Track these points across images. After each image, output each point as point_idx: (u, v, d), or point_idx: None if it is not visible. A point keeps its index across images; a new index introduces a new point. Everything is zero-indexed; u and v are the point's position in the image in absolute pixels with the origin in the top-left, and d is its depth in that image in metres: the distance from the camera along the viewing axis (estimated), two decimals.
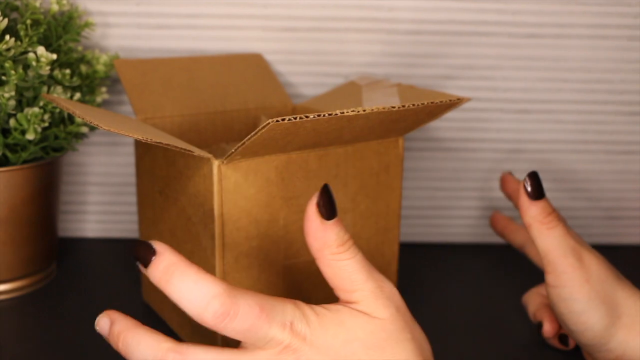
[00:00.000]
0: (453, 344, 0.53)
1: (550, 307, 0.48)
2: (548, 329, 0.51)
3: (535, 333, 0.54)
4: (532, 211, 0.45)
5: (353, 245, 0.37)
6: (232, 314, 0.33)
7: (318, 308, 0.35)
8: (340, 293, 0.37)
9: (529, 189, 0.46)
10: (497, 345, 0.53)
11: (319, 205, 0.36)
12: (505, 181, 0.59)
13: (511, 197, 0.58)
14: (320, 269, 0.37)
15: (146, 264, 0.34)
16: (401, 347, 0.35)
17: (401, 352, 0.35)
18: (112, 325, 0.35)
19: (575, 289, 0.44)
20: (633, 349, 0.44)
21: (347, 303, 0.36)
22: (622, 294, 0.45)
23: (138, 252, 0.34)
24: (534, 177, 0.46)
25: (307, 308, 0.35)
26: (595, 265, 0.45)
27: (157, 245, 0.34)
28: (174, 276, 0.33)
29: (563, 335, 0.51)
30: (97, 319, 0.36)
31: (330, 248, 0.36)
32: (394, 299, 0.37)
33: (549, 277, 0.46)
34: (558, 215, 0.46)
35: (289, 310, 0.34)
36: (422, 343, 0.37)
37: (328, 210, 0.36)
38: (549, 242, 0.45)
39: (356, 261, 0.37)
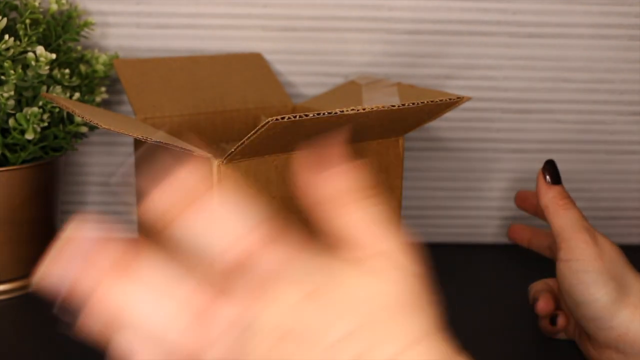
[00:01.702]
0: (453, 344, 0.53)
1: (558, 283, 0.49)
2: (542, 305, 0.52)
3: (537, 330, 0.54)
4: (550, 194, 0.50)
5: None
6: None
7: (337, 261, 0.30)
8: (355, 249, 0.30)
9: (547, 175, 0.50)
10: (498, 345, 0.53)
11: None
12: (520, 195, 0.59)
13: (528, 209, 0.58)
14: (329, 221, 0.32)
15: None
16: (424, 311, 0.31)
17: (424, 316, 0.30)
18: None
19: (588, 262, 0.47)
20: (637, 328, 0.45)
21: (363, 260, 0.30)
22: (632, 277, 0.47)
23: None
24: (552, 164, 0.51)
25: (329, 260, 0.30)
26: (609, 246, 0.48)
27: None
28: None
29: (553, 316, 0.52)
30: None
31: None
32: (415, 258, 0.32)
33: (562, 252, 0.48)
34: (573, 201, 0.50)
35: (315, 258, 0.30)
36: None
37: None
38: (564, 221, 0.49)
39: (372, 214, 0.31)
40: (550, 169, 0.51)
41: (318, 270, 0.29)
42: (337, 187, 0.31)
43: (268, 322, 0.27)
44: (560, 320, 0.52)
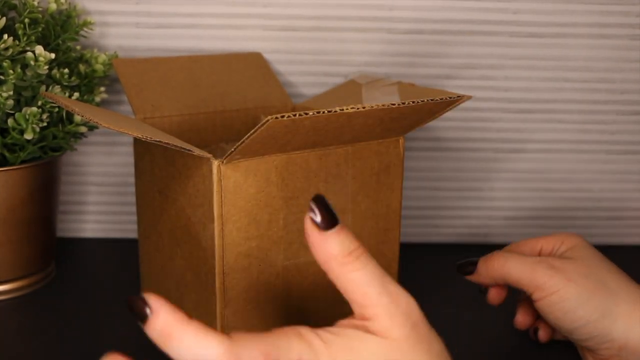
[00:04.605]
0: (453, 344, 0.53)
1: (545, 319, 0.48)
2: (520, 319, 0.52)
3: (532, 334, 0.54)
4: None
5: (363, 254, 0.34)
6: None
7: (325, 334, 0.33)
8: (354, 306, 0.34)
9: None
10: (498, 344, 0.53)
11: (312, 218, 0.34)
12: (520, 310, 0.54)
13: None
14: (333, 282, 0.34)
15: (143, 320, 0.32)
16: None
17: None
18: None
19: (562, 291, 0.46)
20: (636, 337, 0.44)
21: (361, 319, 0.34)
22: (614, 282, 0.46)
23: (133, 307, 0.32)
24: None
25: (313, 337, 0.32)
26: (571, 265, 0.47)
27: (153, 302, 0.31)
28: (172, 338, 0.31)
29: (535, 329, 0.52)
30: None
31: (336, 259, 0.33)
32: (411, 314, 0.34)
33: (534, 295, 0.47)
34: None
35: (295, 346, 0.32)
36: (440, 356, 0.35)
37: (325, 220, 0.34)
38: (519, 269, 0.47)
39: (366, 272, 0.33)
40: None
41: (309, 348, 0.32)
42: (329, 252, 0.33)
43: None
44: (542, 334, 0.51)
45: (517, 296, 0.60)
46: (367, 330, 0.33)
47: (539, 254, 0.51)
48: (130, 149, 0.69)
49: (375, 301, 0.33)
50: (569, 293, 0.45)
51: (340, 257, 0.33)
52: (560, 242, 0.50)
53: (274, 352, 0.31)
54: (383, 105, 0.42)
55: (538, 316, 0.52)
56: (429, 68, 0.67)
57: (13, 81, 0.53)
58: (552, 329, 0.51)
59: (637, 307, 0.45)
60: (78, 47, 0.63)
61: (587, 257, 0.48)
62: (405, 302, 0.34)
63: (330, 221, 0.34)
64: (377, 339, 0.33)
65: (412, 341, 0.33)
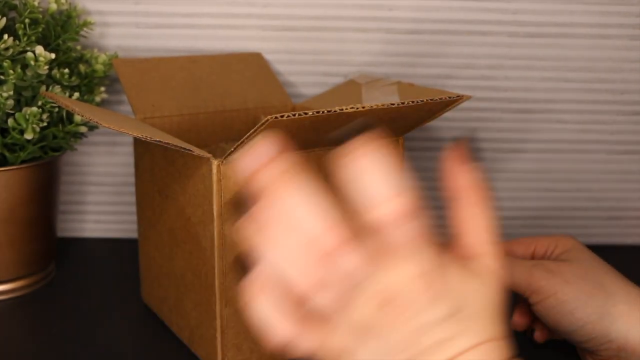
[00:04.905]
0: None
1: (544, 322, 0.48)
2: (517, 320, 0.51)
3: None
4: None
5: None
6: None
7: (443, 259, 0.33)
8: (468, 241, 0.35)
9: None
10: None
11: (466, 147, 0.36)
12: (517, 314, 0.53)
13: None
14: (457, 211, 0.36)
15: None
16: (499, 317, 0.33)
17: (498, 321, 0.33)
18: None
19: (559, 294, 0.46)
20: (634, 337, 0.44)
21: (470, 255, 0.34)
22: (611, 282, 0.46)
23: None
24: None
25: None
26: (568, 267, 0.47)
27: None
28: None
29: (531, 330, 0.52)
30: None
31: (476, 189, 0.35)
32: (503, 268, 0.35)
33: (531, 298, 0.47)
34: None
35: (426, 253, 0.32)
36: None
37: (473, 156, 0.36)
38: (516, 273, 0.47)
39: (492, 214, 0.36)
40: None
41: (435, 255, 0.32)
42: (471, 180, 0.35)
43: (378, 286, 0.30)
44: (538, 335, 0.51)
45: (518, 295, 0.60)
46: (477, 264, 0.34)
47: (532, 255, 0.51)
48: (130, 149, 0.69)
49: (492, 242, 0.35)
50: (567, 295, 0.45)
51: (479, 189, 0.35)
52: (555, 244, 0.50)
53: (430, 234, 0.33)
54: (383, 105, 0.42)
55: (534, 317, 0.52)
56: (429, 68, 0.67)
57: (13, 81, 0.53)
58: (549, 329, 0.51)
59: (634, 307, 0.45)
60: (78, 47, 0.63)
61: (583, 259, 0.48)
62: (502, 257, 0.35)
63: (474, 156, 0.36)
64: (482, 275, 0.34)
65: (499, 289, 0.34)
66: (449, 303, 0.31)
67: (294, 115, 0.39)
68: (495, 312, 0.33)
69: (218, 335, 0.46)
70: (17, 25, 0.54)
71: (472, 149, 0.36)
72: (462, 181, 0.36)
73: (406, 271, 0.31)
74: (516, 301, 0.52)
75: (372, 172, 0.32)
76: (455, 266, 0.33)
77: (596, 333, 0.45)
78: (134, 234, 0.70)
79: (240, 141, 0.41)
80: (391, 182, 0.32)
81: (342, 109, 0.40)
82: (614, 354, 0.45)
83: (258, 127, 0.39)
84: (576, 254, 0.48)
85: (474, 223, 0.36)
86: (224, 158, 0.43)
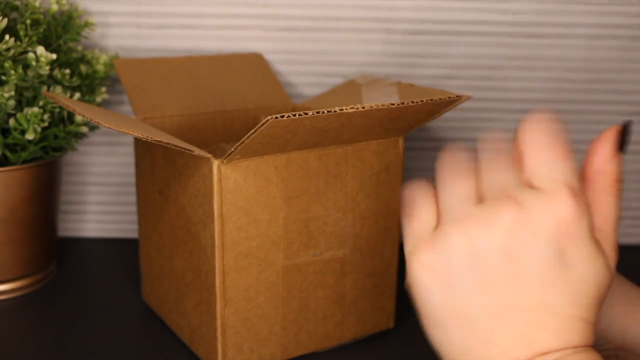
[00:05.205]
0: None
1: None
2: None
3: None
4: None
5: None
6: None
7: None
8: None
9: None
10: None
11: (620, 135, 0.37)
12: None
13: None
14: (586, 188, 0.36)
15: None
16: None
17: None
18: None
19: None
20: (632, 336, 0.44)
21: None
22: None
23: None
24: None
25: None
26: None
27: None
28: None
29: None
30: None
31: (612, 176, 0.37)
32: None
33: None
34: None
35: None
36: None
37: (625, 146, 0.38)
38: None
39: (617, 202, 0.37)
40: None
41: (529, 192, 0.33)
42: (610, 168, 0.37)
43: (493, 242, 0.32)
44: None
45: None
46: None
47: None
48: (130, 149, 0.69)
49: (613, 230, 0.35)
50: None
51: (614, 175, 0.36)
52: None
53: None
54: (383, 105, 0.42)
55: None
56: (428, 68, 0.68)
57: (15, 82, 0.53)
58: None
59: (631, 307, 0.45)
60: (79, 48, 0.63)
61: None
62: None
63: (623, 148, 0.37)
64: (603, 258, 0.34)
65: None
66: (550, 238, 0.32)
67: (294, 115, 0.39)
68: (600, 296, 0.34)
69: (218, 335, 0.46)
70: (19, 26, 0.55)
71: (626, 139, 0.37)
72: (602, 164, 0.37)
73: (505, 219, 0.32)
74: None
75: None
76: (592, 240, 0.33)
77: (594, 334, 0.45)
78: (134, 234, 0.71)
79: (240, 141, 0.41)
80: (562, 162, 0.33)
81: (342, 109, 0.40)
82: (613, 354, 0.45)
83: (258, 127, 0.39)
84: None
85: (601, 208, 0.36)
86: (224, 158, 0.43)
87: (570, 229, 0.32)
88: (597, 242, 0.34)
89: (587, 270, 0.33)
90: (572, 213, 0.32)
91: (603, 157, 0.36)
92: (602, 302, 0.34)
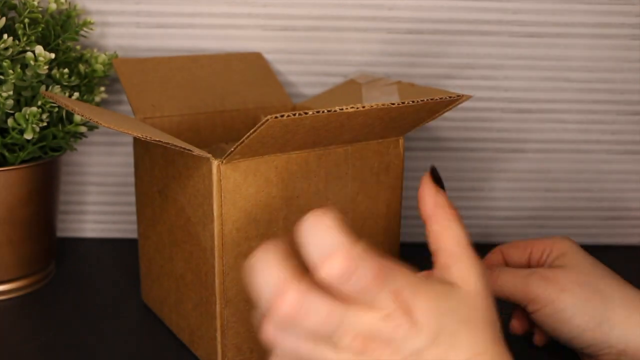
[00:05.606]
0: None
1: (543, 329, 0.48)
2: (515, 325, 0.51)
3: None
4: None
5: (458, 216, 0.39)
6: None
7: (419, 276, 0.35)
8: (441, 255, 0.37)
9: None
10: None
11: (433, 176, 0.39)
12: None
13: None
14: (430, 229, 0.38)
15: None
16: (489, 326, 0.35)
17: (488, 330, 0.35)
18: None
19: (556, 302, 0.46)
20: (634, 341, 0.44)
21: (444, 268, 0.37)
22: (608, 287, 0.46)
23: None
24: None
25: (412, 276, 0.35)
26: (564, 274, 0.47)
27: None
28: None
29: (530, 334, 0.52)
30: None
31: (444, 208, 0.38)
32: (483, 276, 0.37)
33: (528, 307, 0.47)
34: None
35: (399, 279, 0.34)
36: (495, 323, 0.36)
37: (439, 182, 0.39)
38: (506, 286, 0.48)
39: (460, 227, 0.38)
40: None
41: (399, 286, 0.33)
42: (440, 202, 0.38)
43: (353, 332, 0.32)
44: (537, 339, 0.51)
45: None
46: (448, 277, 0.36)
47: (529, 259, 0.51)
48: (130, 149, 0.69)
49: (463, 251, 0.37)
50: (564, 303, 0.45)
51: (447, 207, 0.38)
52: (550, 247, 0.50)
53: (384, 275, 0.33)
54: (383, 105, 0.42)
55: (533, 321, 0.52)
56: (429, 68, 0.67)
57: (13, 81, 0.53)
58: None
59: (633, 311, 0.45)
60: (78, 47, 0.63)
61: (579, 263, 0.48)
62: (481, 266, 0.37)
63: (441, 184, 0.39)
64: (455, 288, 0.35)
65: (481, 297, 0.36)
66: (427, 328, 0.33)
67: (294, 115, 0.39)
68: (483, 320, 0.35)
69: (218, 335, 0.46)
70: (17, 25, 0.54)
71: (438, 176, 0.40)
72: (431, 203, 0.38)
73: (372, 315, 0.32)
74: (514, 306, 0.52)
75: (311, 235, 0.33)
76: (425, 288, 0.34)
77: (596, 339, 0.45)
78: (134, 234, 0.71)
79: (240, 141, 0.41)
80: (328, 242, 0.33)
81: (342, 109, 0.40)
82: (615, 359, 0.45)
83: (258, 127, 0.39)
84: (572, 258, 0.48)
85: (444, 237, 0.37)
86: (224, 158, 0.43)
87: (395, 316, 0.33)
88: (434, 284, 0.35)
89: (442, 313, 0.34)
90: (387, 308, 0.33)
91: (432, 195, 0.39)
92: (485, 319, 0.35)
